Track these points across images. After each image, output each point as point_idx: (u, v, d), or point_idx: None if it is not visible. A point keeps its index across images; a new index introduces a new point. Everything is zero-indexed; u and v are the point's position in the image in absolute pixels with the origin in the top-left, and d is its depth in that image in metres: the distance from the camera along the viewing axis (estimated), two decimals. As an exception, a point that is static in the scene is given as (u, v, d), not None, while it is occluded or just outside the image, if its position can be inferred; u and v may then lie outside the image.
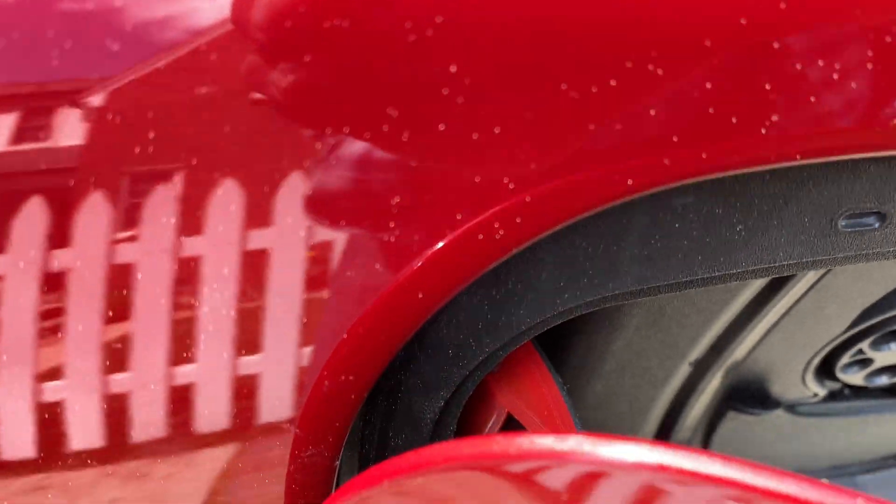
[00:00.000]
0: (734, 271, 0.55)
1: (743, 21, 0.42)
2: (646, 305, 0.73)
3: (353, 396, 0.50)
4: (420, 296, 0.46)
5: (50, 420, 0.50)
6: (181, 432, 0.51)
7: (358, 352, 0.47)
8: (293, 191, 0.44)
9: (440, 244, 0.44)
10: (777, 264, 0.56)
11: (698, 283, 0.56)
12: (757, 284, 0.73)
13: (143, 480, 0.54)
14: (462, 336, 0.55)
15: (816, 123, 0.44)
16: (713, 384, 0.89)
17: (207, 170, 0.44)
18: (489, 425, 0.67)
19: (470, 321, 0.55)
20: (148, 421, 0.50)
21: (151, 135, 0.44)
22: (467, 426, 0.69)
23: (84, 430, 0.51)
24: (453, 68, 0.41)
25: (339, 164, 0.44)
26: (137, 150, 0.44)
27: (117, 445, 0.51)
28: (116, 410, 0.50)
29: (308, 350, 0.49)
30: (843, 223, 0.55)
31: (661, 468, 0.37)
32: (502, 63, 0.42)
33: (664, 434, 0.99)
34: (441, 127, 0.42)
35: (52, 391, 0.49)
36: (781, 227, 0.54)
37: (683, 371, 0.85)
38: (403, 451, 0.61)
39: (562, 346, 0.81)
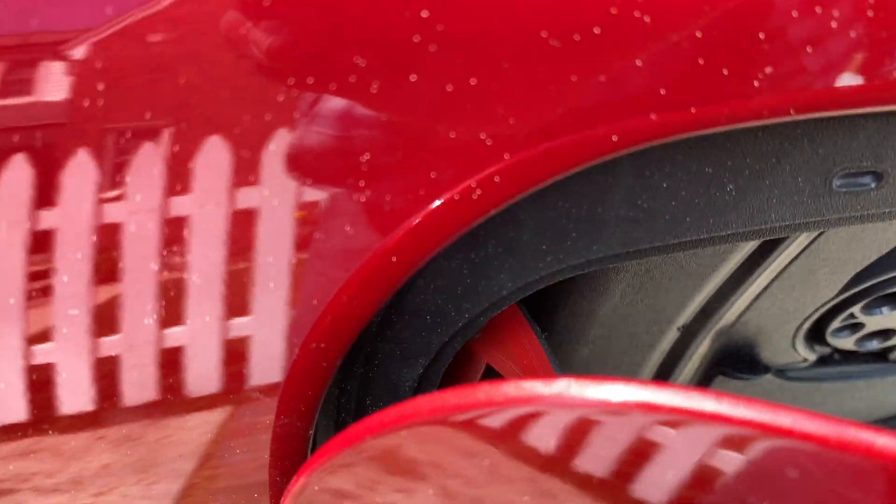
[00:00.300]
0: (724, 233, 0.53)
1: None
2: (632, 270, 0.71)
3: (324, 364, 0.48)
4: (393, 259, 0.44)
5: (39, 383, 0.49)
6: (169, 396, 0.49)
7: (329, 319, 0.45)
8: (262, 149, 0.42)
9: (413, 205, 0.42)
10: (768, 226, 0.53)
11: (687, 245, 0.54)
12: (747, 248, 0.71)
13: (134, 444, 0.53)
14: (440, 301, 0.53)
15: (813, 75, 0.42)
16: (701, 349, 0.88)
17: (189, 127, 0.42)
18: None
19: (448, 286, 0.53)
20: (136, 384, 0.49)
21: (132, 90, 0.41)
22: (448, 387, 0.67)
23: (73, 394, 0.49)
24: (425, 13, 0.38)
25: (312, 121, 0.42)
26: (122, 105, 0.41)
27: (107, 409, 0.50)
28: (105, 374, 0.48)
29: (283, 317, 0.46)
30: (838, 183, 0.52)
31: (652, 407, 0.36)
32: (477, 8, 0.39)
33: (651, 400, 0.98)
34: (412, 78, 0.39)
35: (40, 354, 0.47)
36: (774, 186, 0.52)
37: (671, 336, 0.83)
38: (381, 419, 0.59)
39: (546, 310, 0.79)
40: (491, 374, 0.64)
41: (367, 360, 0.56)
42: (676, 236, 0.52)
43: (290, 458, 0.53)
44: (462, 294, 0.53)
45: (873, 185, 0.53)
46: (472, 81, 0.40)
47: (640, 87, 0.41)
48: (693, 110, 0.41)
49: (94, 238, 0.44)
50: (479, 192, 0.42)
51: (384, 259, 0.44)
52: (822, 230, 0.58)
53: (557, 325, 0.80)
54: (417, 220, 0.42)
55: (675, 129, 0.42)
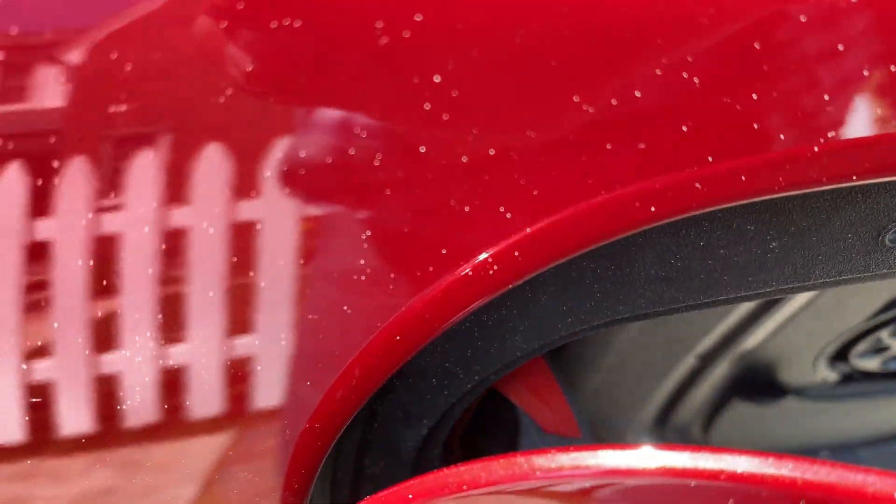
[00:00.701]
0: (763, 290, 0.48)
1: (803, 19, 0.33)
2: (652, 302, 0.66)
3: (319, 444, 0.43)
4: (398, 338, 0.39)
5: (37, 404, 0.45)
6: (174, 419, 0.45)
7: (328, 404, 0.40)
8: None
9: (420, 285, 0.37)
10: (812, 283, 0.48)
11: (722, 303, 0.49)
12: (777, 280, 0.66)
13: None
14: (448, 364, 0.48)
15: (878, 138, 0.36)
16: (718, 372, 0.84)
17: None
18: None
19: (457, 349, 0.48)
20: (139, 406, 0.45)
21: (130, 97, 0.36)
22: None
23: (73, 415, 0.46)
24: (437, 78, 0.32)
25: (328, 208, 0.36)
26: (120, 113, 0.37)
27: (109, 432, 0.46)
28: (106, 394, 0.44)
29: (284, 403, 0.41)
30: (892, 237, 0.47)
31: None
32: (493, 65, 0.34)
33: (662, 419, 0.94)
34: (421, 150, 0.34)
35: (39, 372, 0.44)
36: (821, 243, 0.46)
37: (688, 363, 0.79)
38: (381, 479, 0.55)
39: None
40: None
41: (366, 422, 0.52)
42: (711, 295, 0.47)
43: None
44: (472, 356, 0.48)
45: (929, 240, 0.48)
46: (491, 152, 0.34)
47: (682, 153, 0.35)
48: (742, 178, 0.36)
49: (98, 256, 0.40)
50: (495, 268, 0.37)
51: (388, 341, 0.38)
52: (874, 281, 0.53)
53: (568, 353, 0.76)
54: (422, 302, 0.37)
55: (720, 198, 0.37)
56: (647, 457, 0.38)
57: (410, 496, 0.39)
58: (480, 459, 0.39)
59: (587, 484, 0.39)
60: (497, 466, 0.38)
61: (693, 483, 0.37)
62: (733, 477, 0.36)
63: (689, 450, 0.38)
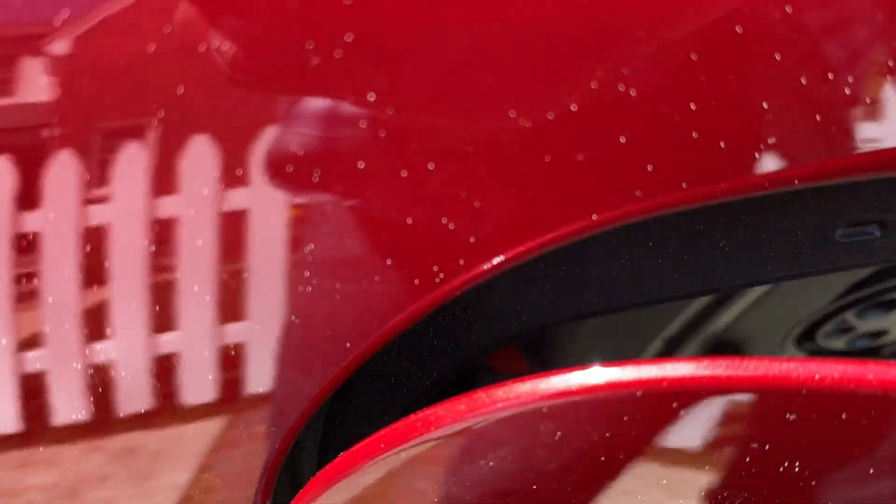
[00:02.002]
0: (714, 287, 0.49)
1: (738, 29, 0.33)
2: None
3: (275, 450, 0.44)
4: (347, 345, 0.39)
5: (31, 393, 0.46)
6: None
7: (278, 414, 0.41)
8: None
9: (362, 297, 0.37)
10: (763, 278, 0.49)
11: (673, 300, 0.49)
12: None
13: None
14: (405, 364, 0.49)
15: (820, 148, 0.37)
16: (686, 354, 0.85)
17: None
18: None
19: (413, 349, 0.48)
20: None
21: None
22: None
23: (68, 404, 0.46)
24: (371, 97, 0.32)
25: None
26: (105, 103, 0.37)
27: (103, 419, 0.47)
28: (100, 382, 0.45)
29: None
30: (842, 233, 0.48)
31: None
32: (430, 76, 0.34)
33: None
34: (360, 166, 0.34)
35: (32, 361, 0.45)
36: (772, 241, 0.47)
37: (655, 347, 0.80)
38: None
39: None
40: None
41: (327, 419, 0.52)
42: (663, 293, 0.48)
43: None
44: (428, 356, 0.49)
45: (878, 234, 0.49)
46: (430, 167, 0.34)
47: (624, 165, 0.36)
48: (683, 186, 0.36)
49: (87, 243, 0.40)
50: (441, 276, 0.37)
51: (336, 347, 0.39)
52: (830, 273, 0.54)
53: (535, 342, 0.77)
54: (367, 312, 0.37)
55: (663, 205, 0.37)
56: (595, 374, 0.40)
57: (382, 445, 0.41)
58: (445, 401, 0.41)
59: (544, 407, 0.40)
60: (459, 404, 0.40)
61: (639, 393, 0.39)
62: (674, 382, 0.39)
63: (633, 363, 0.41)
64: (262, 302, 0.39)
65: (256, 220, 0.37)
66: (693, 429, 0.43)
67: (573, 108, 0.33)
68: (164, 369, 0.44)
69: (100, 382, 0.45)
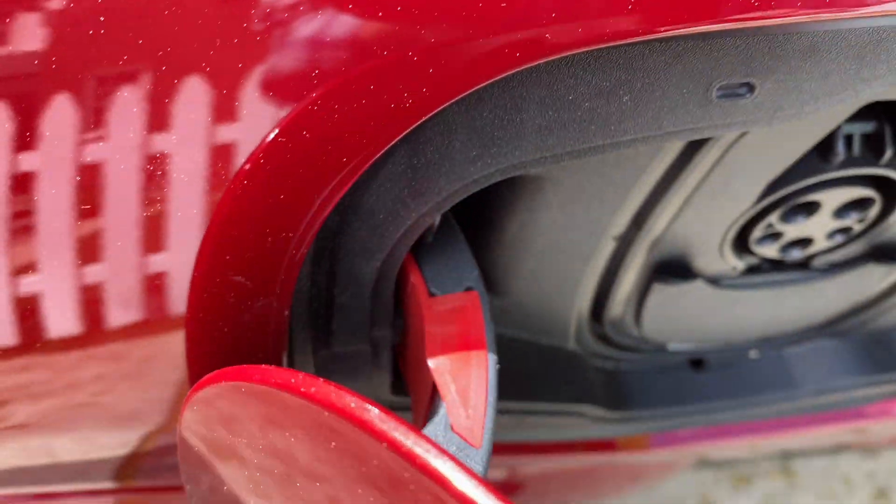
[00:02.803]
0: (626, 139, 0.63)
1: None
2: (566, 183, 0.82)
3: (294, 251, 0.59)
4: (344, 160, 0.55)
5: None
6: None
7: (290, 209, 0.56)
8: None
9: (350, 111, 0.52)
10: (663, 132, 0.64)
11: (595, 150, 0.64)
12: (666, 160, 0.81)
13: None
14: (391, 202, 0.64)
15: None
16: (638, 260, 0.98)
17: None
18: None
19: (396, 188, 0.63)
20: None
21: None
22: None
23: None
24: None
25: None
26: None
27: (95, 329, 0.60)
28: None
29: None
30: (718, 93, 0.63)
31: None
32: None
33: (598, 311, 1.09)
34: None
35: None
36: (664, 97, 0.62)
37: (608, 246, 0.94)
38: (348, 309, 0.70)
39: (495, 225, 0.90)
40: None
41: (331, 255, 0.67)
42: (584, 142, 0.63)
43: (268, 336, 0.64)
44: (408, 195, 0.63)
45: (747, 95, 0.63)
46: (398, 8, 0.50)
47: (536, 12, 0.51)
48: (579, 30, 0.52)
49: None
50: (410, 101, 0.53)
51: (335, 158, 0.54)
52: (712, 136, 0.68)
53: (506, 237, 0.91)
54: (364, 122, 0.53)
55: (568, 44, 0.52)
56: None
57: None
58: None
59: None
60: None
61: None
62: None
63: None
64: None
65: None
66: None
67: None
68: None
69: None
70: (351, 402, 0.49)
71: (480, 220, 0.91)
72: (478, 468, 0.62)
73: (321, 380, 0.51)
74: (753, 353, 1.32)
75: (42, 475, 0.77)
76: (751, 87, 0.63)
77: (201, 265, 0.57)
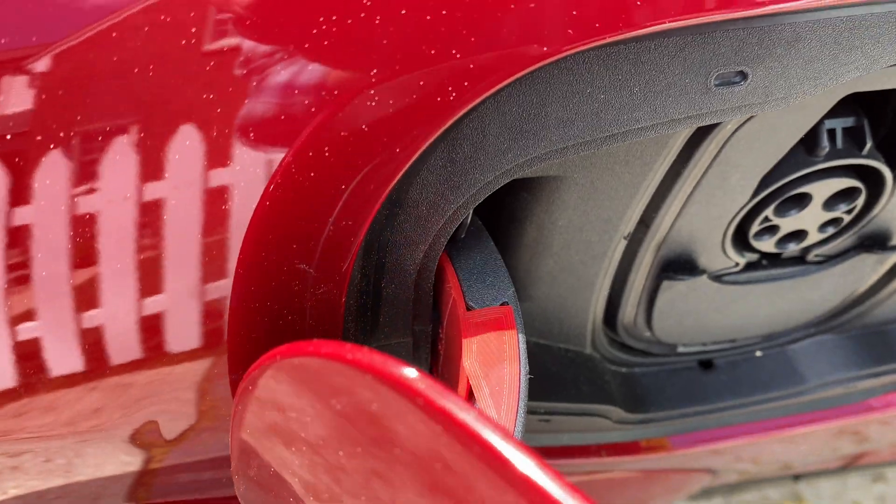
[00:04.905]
0: (638, 126, 0.71)
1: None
2: (580, 182, 0.89)
3: (351, 239, 0.66)
4: (397, 150, 0.62)
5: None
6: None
7: (352, 199, 0.63)
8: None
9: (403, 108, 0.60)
10: (670, 118, 0.72)
11: (611, 139, 0.72)
12: (669, 157, 0.89)
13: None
14: (432, 195, 0.71)
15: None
16: (647, 260, 1.06)
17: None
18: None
19: (437, 181, 0.70)
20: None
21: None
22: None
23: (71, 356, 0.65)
24: None
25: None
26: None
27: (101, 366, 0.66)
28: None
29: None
30: (715, 81, 0.71)
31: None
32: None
33: (611, 316, 1.16)
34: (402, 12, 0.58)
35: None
36: (669, 87, 0.70)
37: (619, 246, 1.01)
38: (395, 298, 0.77)
39: (516, 227, 0.97)
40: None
41: (380, 249, 0.74)
42: (601, 131, 0.71)
43: (329, 319, 0.70)
44: (447, 187, 0.71)
45: (741, 82, 0.71)
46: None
47: (557, 14, 0.60)
48: (597, 25, 0.60)
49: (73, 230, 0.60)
50: (454, 94, 0.61)
51: (390, 151, 0.62)
52: (715, 121, 0.76)
53: (527, 239, 0.98)
54: (415, 116, 0.61)
55: (585, 37, 0.61)
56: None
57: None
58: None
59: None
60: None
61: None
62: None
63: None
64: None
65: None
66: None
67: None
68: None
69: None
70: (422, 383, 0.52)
71: (501, 225, 0.98)
72: None
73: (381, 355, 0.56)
74: (758, 352, 1.38)
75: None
76: (744, 75, 0.71)
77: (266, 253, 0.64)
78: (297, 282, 0.66)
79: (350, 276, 0.69)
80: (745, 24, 0.67)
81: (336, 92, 0.59)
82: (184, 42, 0.56)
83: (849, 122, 0.98)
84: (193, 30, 0.56)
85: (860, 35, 0.71)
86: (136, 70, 0.56)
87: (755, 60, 0.70)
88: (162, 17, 0.55)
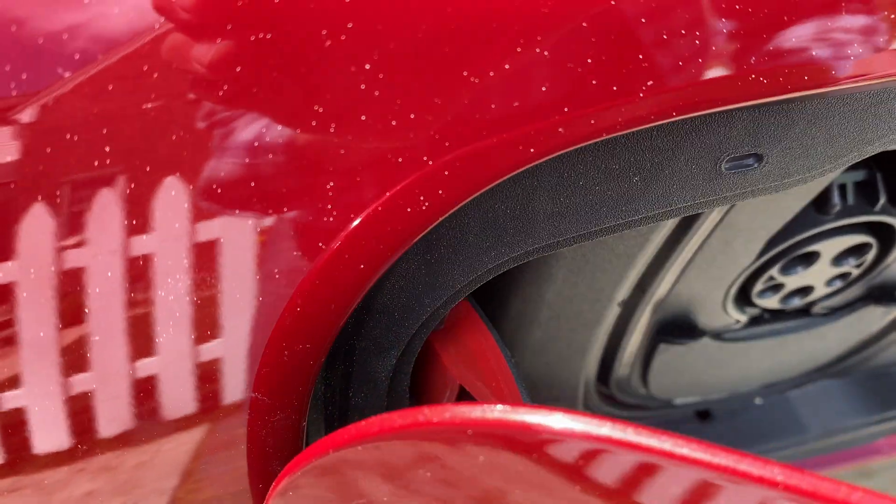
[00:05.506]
0: (637, 217, 0.63)
1: (612, 2, 0.49)
2: (570, 255, 0.81)
3: (311, 362, 0.57)
4: (362, 266, 0.53)
5: (15, 426, 0.55)
6: (147, 422, 0.56)
7: (310, 322, 0.54)
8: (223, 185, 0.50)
9: (370, 219, 0.51)
10: (673, 207, 0.63)
11: (606, 231, 0.63)
12: (667, 227, 0.81)
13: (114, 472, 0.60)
14: (405, 299, 0.62)
15: (685, 82, 0.51)
16: (643, 321, 0.98)
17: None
18: (445, 397, 0.74)
19: (411, 285, 0.62)
20: (113, 416, 0.55)
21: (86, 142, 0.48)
22: (426, 397, 0.76)
23: (50, 432, 0.55)
24: (367, 66, 0.47)
25: (274, 155, 0.51)
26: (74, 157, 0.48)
27: (85, 442, 0.56)
28: (80, 410, 0.55)
29: (264, 328, 0.55)
30: (727, 166, 0.62)
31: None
32: (408, 56, 0.49)
33: (604, 374, 1.08)
34: (363, 118, 0.49)
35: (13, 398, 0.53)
36: (673, 175, 0.61)
37: (614, 312, 0.93)
38: (363, 409, 0.68)
39: (500, 300, 0.89)
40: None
41: (346, 357, 0.65)
42: (596, 224, 0.62)
43: (286, 448, 0.61)
44: (423, 290, 0.62)
45: (756, 165, 0.63)
46: (412, 116, 0.49)
47: (546, 106, 0.50)
48: (592, 122, 0.51)
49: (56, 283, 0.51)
50: (427, 204, 0.51)
51: (353, 268, 0.52)
52: (723, 206, 0.68)
53: (511, 312, 0.90)
54: (378, 231, 0.51)
55: (579, 137, 0.52)
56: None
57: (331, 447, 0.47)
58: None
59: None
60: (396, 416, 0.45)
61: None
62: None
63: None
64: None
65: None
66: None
67: (506, 66, 0.48)
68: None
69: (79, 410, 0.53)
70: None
71: (486, 295, 0.90)
72: None
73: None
74: (758, 400, 1.31)
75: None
76: (759, 158, 0.63)
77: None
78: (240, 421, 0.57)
79: (310, 394, 0.60)
80: (762, 104, 0.59)
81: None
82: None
83: (860, 175, 0.90)
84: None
85: (888, 109, 0.63)
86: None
87: (772, 141, 0.61)
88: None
